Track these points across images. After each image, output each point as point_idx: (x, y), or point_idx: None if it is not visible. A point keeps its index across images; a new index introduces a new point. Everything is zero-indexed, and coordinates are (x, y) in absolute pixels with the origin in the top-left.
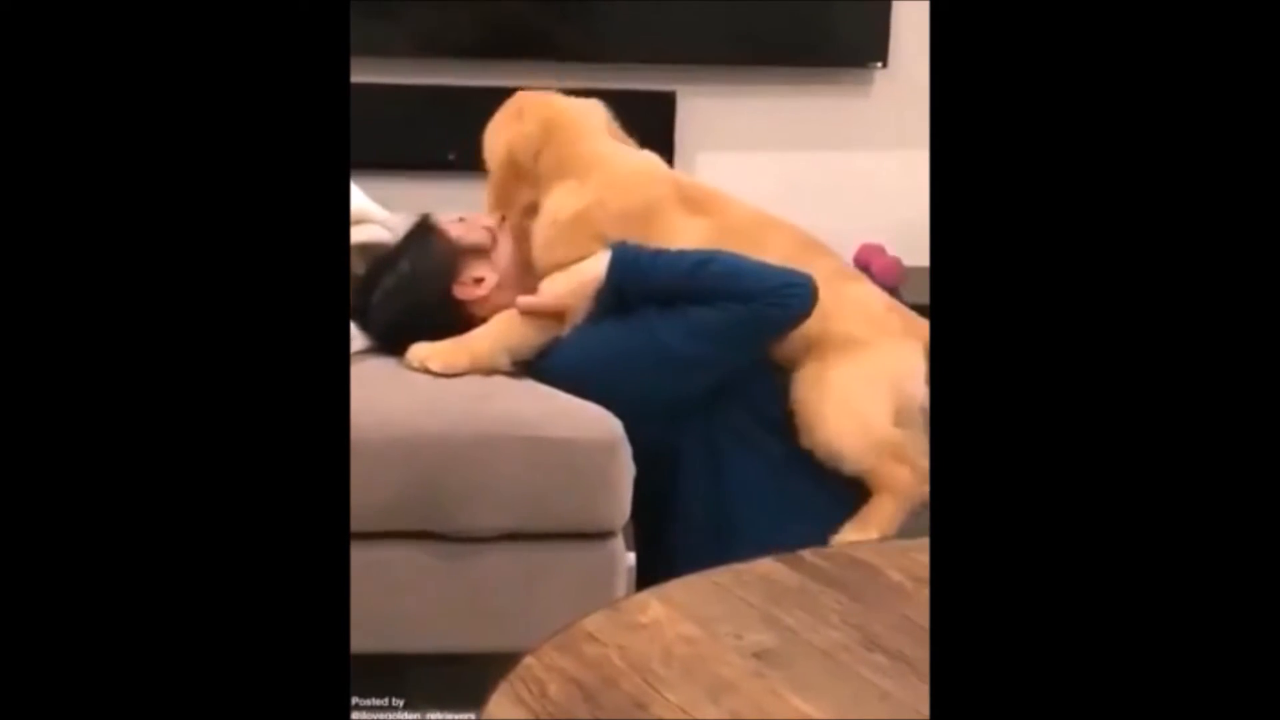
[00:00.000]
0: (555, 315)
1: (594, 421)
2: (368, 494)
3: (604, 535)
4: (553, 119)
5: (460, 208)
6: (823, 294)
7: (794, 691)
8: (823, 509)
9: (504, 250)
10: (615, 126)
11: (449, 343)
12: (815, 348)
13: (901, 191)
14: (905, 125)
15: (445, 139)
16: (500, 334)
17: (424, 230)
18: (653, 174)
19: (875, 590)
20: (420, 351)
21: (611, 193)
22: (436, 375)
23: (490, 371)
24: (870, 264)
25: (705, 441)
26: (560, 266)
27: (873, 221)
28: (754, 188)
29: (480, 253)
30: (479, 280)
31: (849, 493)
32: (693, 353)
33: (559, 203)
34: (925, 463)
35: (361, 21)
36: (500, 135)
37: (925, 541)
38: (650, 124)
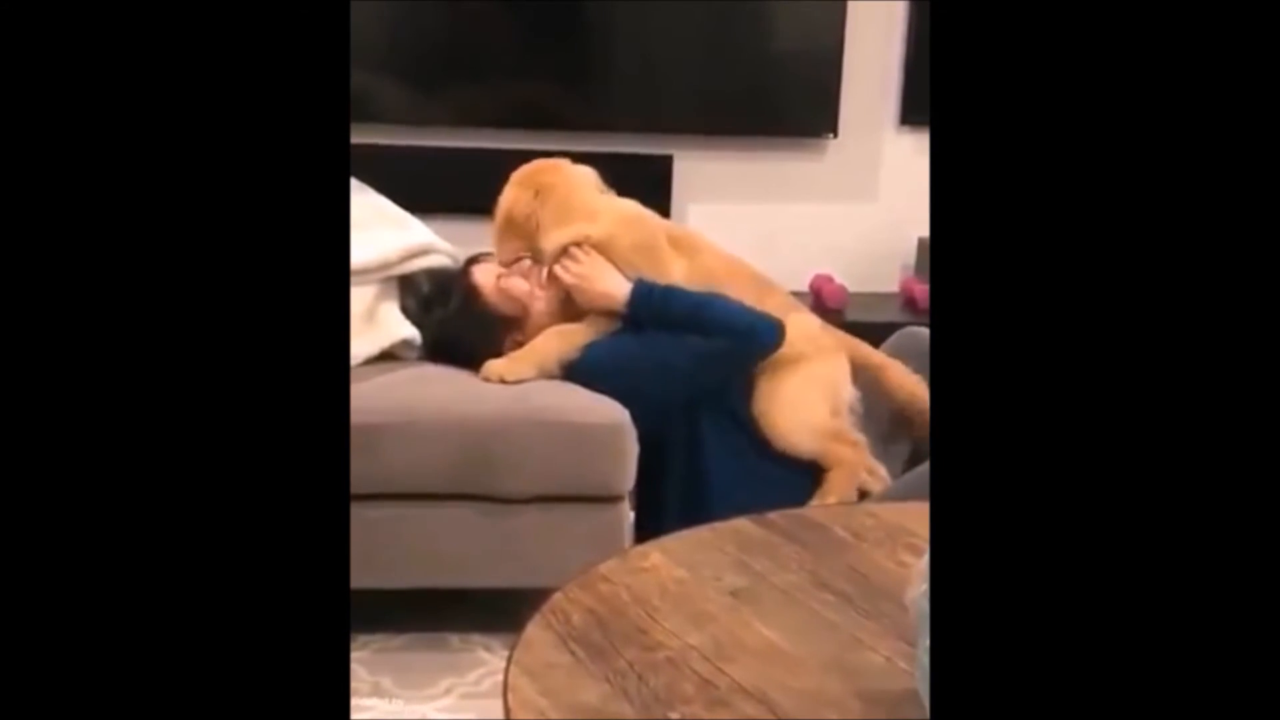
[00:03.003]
0: (589, 327)
1: (606, 411)
2: (432, 466)
3: (614, 499)
4: (544, 183)
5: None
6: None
7: (761, 621)
8: (789, 483)
9: (536, 310)
10: (603, 185)
11: (515, 360)
12: (770, 364)
13: (847, 233)
14: (850, 183)
15: (484, 190)
16: (553, 348)
17: (467, 290)
18: (648, 218)
19: (824, 543)
20: (495, 367)
21: (623, 229)
22: (510, 383)
23: (543, 375)
24: (822, 290)
25: (690, 433)
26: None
27: (824, 257)
28: (734, 231)
29: (515, 321)
30: (518, 344)
31: (808, 471)
32: (688, 369)
33: (576, 234)
34: (860, 439)
35: (426, 102)
36: (503, 200)
37: (863, 506)
38: (651, 181)
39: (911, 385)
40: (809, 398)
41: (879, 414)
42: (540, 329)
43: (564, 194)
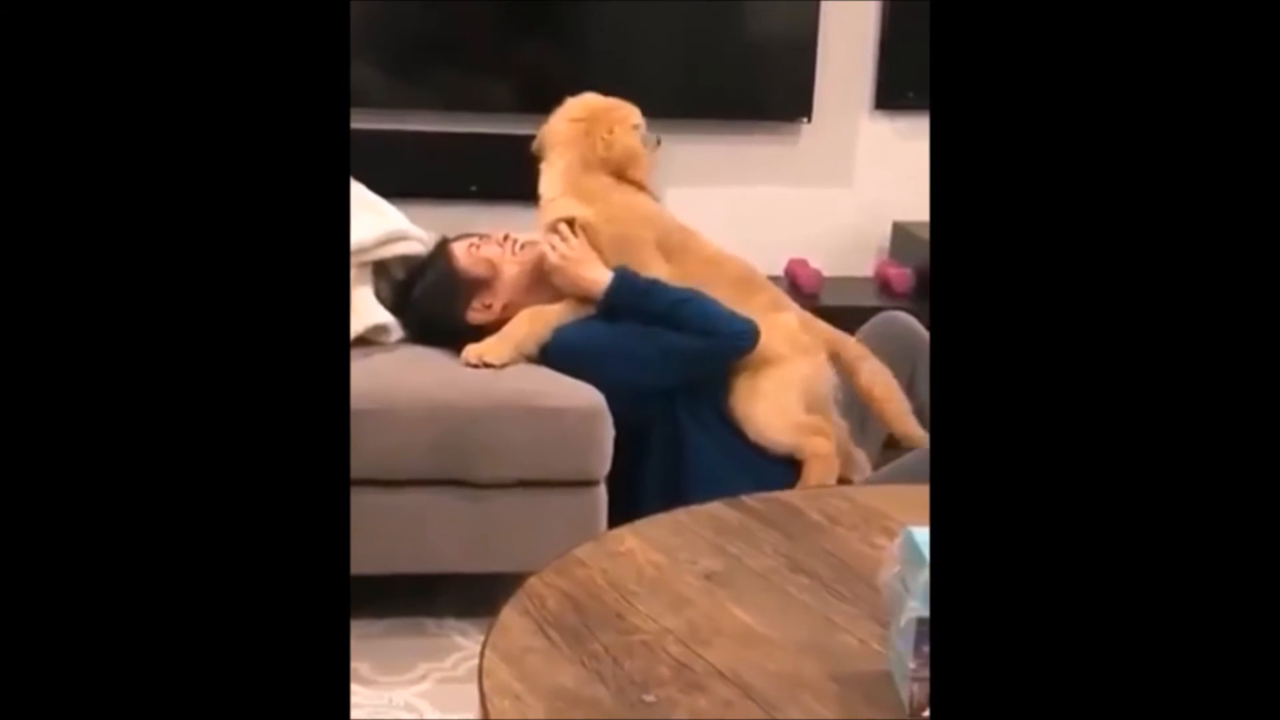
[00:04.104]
0: (563, 309)
1: (582, 396)
2: (409, 451)
3: (590, 483)
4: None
5: (478, 227)
6: (758, 322)
7: (736, 604)
8: (770, 473)
9: (507, 274)
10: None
11: (495, 341)
12: (749, 364)
13: (821, 218)
14: (824, 167)
15: (467, 175)
16: (530, 329)
17: (441, 256)
18: (642, 220)
19: (799, 526)
20: (476, 350)
21: (610, 221)
22: (494, 367)
23: (525, 357)
24: (797, 274)
25: (669, 421)
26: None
27: (799, 241)
28: (712, 213)
29: (485, 283)
30: (487, 306)
31: (789, 462)
32: (656, 362)
33: (566, 212)
34: (834, 433)
35: (403, 86)
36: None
37: (838, 490)
38: None
39: (880, 388)
40: (785, 397)
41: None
42: (510, 291)
43: (583, 157)
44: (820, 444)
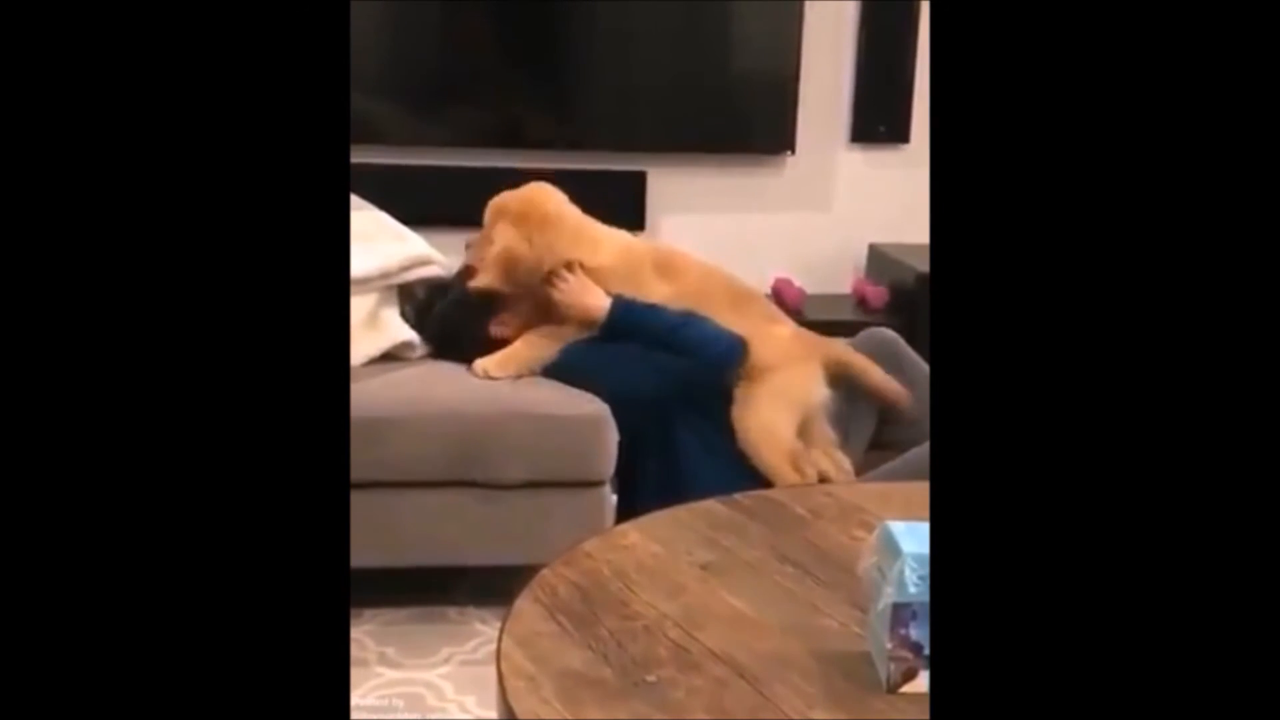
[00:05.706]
0: (566, 331)
1: (588, 404)
2: (431, 456)
3: (596, 483)
4: (541, 217)
5: None
6: (752, 333)
7: (728, 592)
8: (754, 477)
9: (522, 307)
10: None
11: (501, 357)
12: (748, 372)
13: (804, 241)
14: (806, 195)
15: (475, 204)
16: (535, 349)
17: (466, 276)
18: (637, 246)
19: (785, 521)
20: (484, 363)
21: (618, 260)
22: (497, 379)
23: (528, 374)
24: (782, 292)
25: (664, 431)
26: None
27: (784, 262)
28: (703, 240)
29: (504, 299)
30: (504, 323)
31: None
32: (653, 380)
33: (574, 258)
34: (811, 471)
35: (422, 125)
36: (502, 239)
37: (820, 486)
38: (627, 195)
39: (891, 388)
40: (778, 411)
41: (848, 406)
42: (527, 308)
43: (573, 225)
44: (794, 480)
